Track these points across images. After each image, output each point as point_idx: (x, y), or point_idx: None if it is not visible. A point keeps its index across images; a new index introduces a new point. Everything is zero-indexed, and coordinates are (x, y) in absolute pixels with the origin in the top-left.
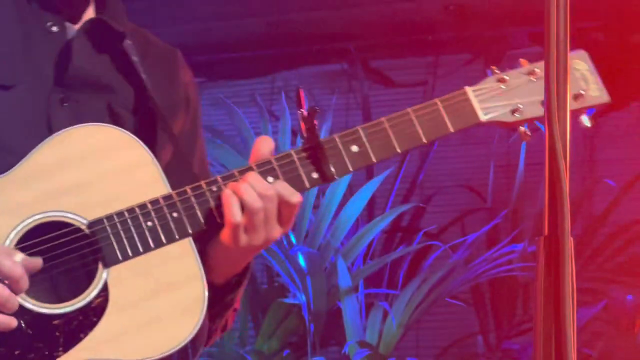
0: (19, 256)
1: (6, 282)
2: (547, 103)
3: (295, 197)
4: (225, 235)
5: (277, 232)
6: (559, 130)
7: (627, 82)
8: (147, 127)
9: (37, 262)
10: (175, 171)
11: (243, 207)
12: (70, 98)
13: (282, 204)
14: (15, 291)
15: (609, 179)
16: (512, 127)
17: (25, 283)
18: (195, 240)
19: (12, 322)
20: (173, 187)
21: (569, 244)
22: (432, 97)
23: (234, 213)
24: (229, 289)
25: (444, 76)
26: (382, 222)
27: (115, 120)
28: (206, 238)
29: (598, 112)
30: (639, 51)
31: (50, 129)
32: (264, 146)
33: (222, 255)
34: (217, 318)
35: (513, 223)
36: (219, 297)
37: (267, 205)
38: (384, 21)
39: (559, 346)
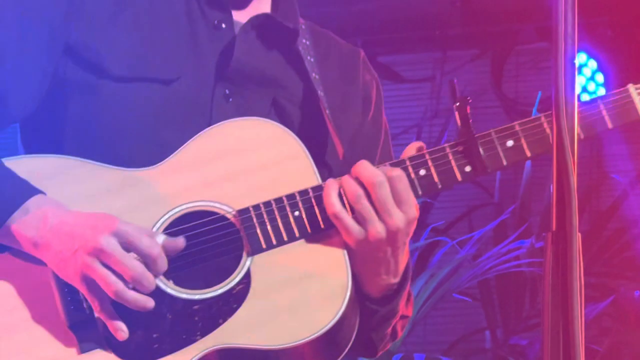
0: (161, 237)
1: (143, 260)
2: (554, 98)
3: (395, 171)
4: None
5: (398, 218)
6: (566, 126)
7: (634, 76)
8: (313, 123)
9: (179, 242)
10: (346, 169)
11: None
12: (235, 93)
13: (390, 184)
14: (152, 270)
15: (616, 174)
16: None
17: (162, 263)
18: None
19: (149, 302)
20: None
21: (577, 239)
22: (439, 93)
23: (331, 202)
24: (386, 300)
25: (451, 72)
26: None
27: (280, 114)
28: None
29: None
30: None
31: (210, 125)
32: (416, 145)
33: (360, 260)
34: (380, 327)
35: (520, 219)
36: (374, 309)
37: (376, 190)
38: (391, 17)
39: (566, 342)
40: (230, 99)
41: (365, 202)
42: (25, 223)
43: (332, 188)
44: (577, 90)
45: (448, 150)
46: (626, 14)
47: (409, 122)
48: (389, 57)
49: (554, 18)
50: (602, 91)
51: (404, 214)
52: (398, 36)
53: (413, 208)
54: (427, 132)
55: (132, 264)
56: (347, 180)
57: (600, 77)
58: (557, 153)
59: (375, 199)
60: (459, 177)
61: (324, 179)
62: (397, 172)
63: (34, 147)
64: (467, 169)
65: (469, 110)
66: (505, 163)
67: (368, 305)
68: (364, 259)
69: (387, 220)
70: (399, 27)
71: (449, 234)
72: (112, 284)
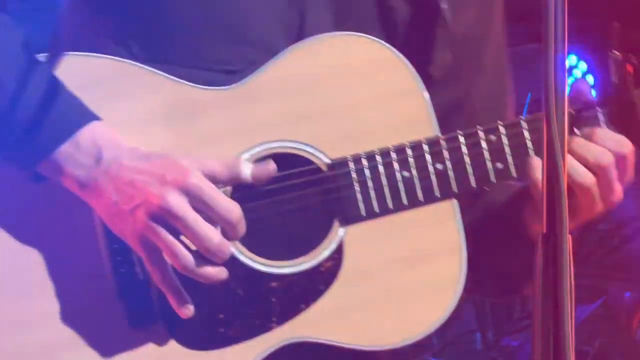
0: (248, 166)
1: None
2: (545, 101)
3: (624, 147)
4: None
5: (619, 192)
6: (557, 128)
7: None
8: (424, 25)
9: (269, 168)
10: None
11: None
12: None
13: (617, 161)
14: (229, 237)
15: None
16: None
17: (242, 229)
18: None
19: (221, 273)
20: (452, 120)
21: (568, 241)
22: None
23: (580, 173)
24: None
25: None
26: None
27: (386, 15)
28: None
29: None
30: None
31: (302, 24)
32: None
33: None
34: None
35: None
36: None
37: (605, 173)
38: None
39: (557, 343)
40: None
41: (595, 189)
42: (75, 160)
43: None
44: (568, 92)
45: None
46: (617, 15)
47: None
48: None
49: (544, 19)
50: (592, 93)
51: (622, 185)
52: None
53: (632, 175)
54: None
55: (207, 232)
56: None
57: (590, 79)
58: (548, 155)
59: (601, 181)
60: None
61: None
62: (626, 149)
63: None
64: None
65: (631, 70)
66: None
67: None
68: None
69: (609, 199)
70: None
71: None
72: (181, 258)
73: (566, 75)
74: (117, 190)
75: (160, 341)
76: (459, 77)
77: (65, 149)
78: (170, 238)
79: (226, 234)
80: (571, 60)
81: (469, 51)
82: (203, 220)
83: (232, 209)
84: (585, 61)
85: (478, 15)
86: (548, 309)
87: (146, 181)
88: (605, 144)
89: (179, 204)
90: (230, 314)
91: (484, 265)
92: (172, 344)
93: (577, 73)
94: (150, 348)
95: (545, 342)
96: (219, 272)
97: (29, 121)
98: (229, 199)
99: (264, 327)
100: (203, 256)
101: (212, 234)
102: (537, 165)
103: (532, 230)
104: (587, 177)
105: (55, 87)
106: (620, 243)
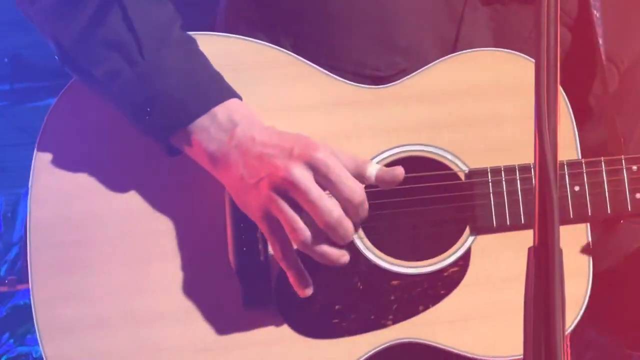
0: (374, 166)
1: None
2: (537, 112)
3: None
4: None
5: None
6: (549, 140)
7: None
8: (581, 48)
9: (397, 173)
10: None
11: None
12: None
13: None
14: (351, 217)
15: None
16: None
17: (364, 212)
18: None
19: (343, 256)
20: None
21: (559, 254)
22: None
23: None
24: None
25: None
26: None
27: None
28: None
29: None
30: None
31: (458, 39)
32: None
33: None
34: None
35: None
36: None
37: None
38: None
39: (548, 356)
40: (485, 5)
41: None
42: (208, 134)
43: None
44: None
45: None
46: None
47: None
48: None
49: (537, 32)
50: None
51: None
52: None
53: None
54: None
55: (328, 206)
56: None
57: None
58: (540, 168)
59: None
60: None
61: (585, 128)
62: None
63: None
64: None
65: None
66: None
67: None
68: None
69: None
70: None
71: None
72: (300, 232)
73: (559, 87)
74: (245, 164)
75: (273, 324)
76: (623, 109)
77: (200, 122)
78: (290, 211)
79: (348, 214)
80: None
81: (634, 84)
82: (325, 195)
83: (356, 189)
84: None
85: None
86: (539, 322)
87: (273, 154)
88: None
89: (302, 177)
90: (347, 306)
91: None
92: (285, 329)
93: None
94: (262, 330)
95: (537, 355)
96: (338, 254)
97: (168, 91)
98: (354, 179)
99: (379, 324)
100: (324, 236)
101: (333, 209)
102: None
103: None
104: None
105: (200, 61)
106: None
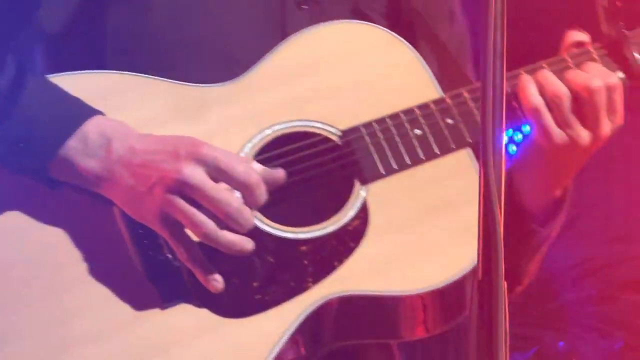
0: (256, 166)
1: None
2: (483, 146)
3: (613, 78)
4: (536, 132)
5: (606, 127)
6: (494, 174)
7: None
8: (403, 34)
9: (279, 174)
10: (446, 82)
11: (544, 95)
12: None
13: (607, 91)
14: (249, 203)
15: None
16: None
17: (262, 194)
18: None
19: (247, 244)
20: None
21: (503, 288)
22: None
23: (530, 94)
24: (547, 219)
25: None
26: None
27: None
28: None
29: None
30: None
31: (283, 36)
32: (573, 38)
33: (536, 167)
34: (532, 255)
35: None
36: (532, 230)
37: (592, 97)
38: None
39: None
40: (304, 6)
41: (570, 105)
42: (85, 153)
43: (528, 81)
44: (504, 140)
45: (594, 53)
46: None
47: None
48: None
49: (483, 65)
50: None
51: (611, 123)
52: None
53: (621, 116)
54: None
55: (226, 197)
56: (550, 78)
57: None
58: (484, 202)
59: (589, 104)
60: None
61: None
62: (615, 80)
63: (65, 68)
64: (620, 75)
65: (619, 4)
66: None
67: (527, 224)
68: (544, 166)
69: (595, 129)
70: None
71: None
72: (201, 225)
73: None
74: (133, 174)
75: (199, 316)
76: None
77: (73, 144)
78: (189, 207)
79: (247, 200)
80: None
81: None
82: (220, 187)
83: (250, 173)
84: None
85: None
86: (483, 356)
87: (160, 159)
88: (596, 73)
89: (195, 174)
90: (264, 281)
91: None
92: (212, 317)
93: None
94: (191, 325)
95: None
96: (242, 241)
97: (33, 124)
98: (245, 164)
99: (300, 288)
100: (225, 227)
101: (231, 199)
102: (526, 83)
103: (523, 195)
104: (560, 88)
105: (54, 90)
106: (555, 292)
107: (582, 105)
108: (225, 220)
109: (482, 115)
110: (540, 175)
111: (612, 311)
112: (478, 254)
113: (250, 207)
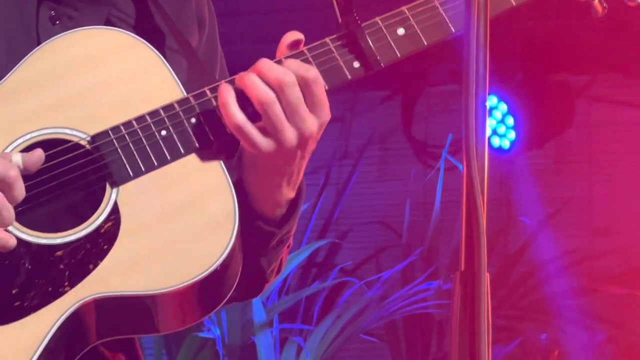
0: (17, 155)
1: None
2: (465, 139)
3: (311, 71)
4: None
5: (311, 123)
6: (477, 166)
7: (543, 122)
8: (152, 42)
9: (36, 154)
10: (196, 85)
11: (253, 102)
12: (62, 15)
13: (303, 85)
14: (9, 199)
15: (524, 217)
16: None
17: (20, 190)
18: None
19: (10, 240)
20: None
21: (486, 280)
22: (349, 133)
23: (232, 112)
24: (282, 221)
25: (361, 112)
26: (298, 258)
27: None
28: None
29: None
30: (556, 90)
31: None
32: (290, 38)
33: (259, 173)
34: (274, 254)
35: (428, 260)
36: (269, 232)
37: (286, 92)
38: None
39: None
40: (57, 22)
41: (277, 109)
42: None
43: (228, 93)
44: (488, 132)
45: (330, 44)
46: (536, 59)
47: (318, 162)
48: None
49: (465, 60)
50: (512, 134)
51: (317, 118)
52: None
53: (326, 110)
54: (336, 172)
55: None
56: (253, 81)
57: (510, 120)
58: (467, 193)
59: (285, 102)
60: (348, 75)
61: None
62: (313, 73)
63: None
64: (356, 64)
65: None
66: (399, 55)
67: (262, 227)
68: (265, 171)
69: (300, 126)
70: None
71: (356, 274)
72: None
73: (486, 116)
74: None
75: None
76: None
77: None
78: None
79: (7, 195)
80: (491, 101)
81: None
82: None
83: (8, 168)
84: (506, 102)
85: None
86: (465, 349)
87: None
88: (290, 67)
89: None
90: (22, 288)
91: None
92: None
93: (498, 114)
94: None
95: None
96: (5, 237)
97: None
98: (3, 159)
99: (57, 293)
100: None
101: None
102: (227, 97)
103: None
104: (266, 93)
105: None
106: (537, 285)
107: (284, 104)
108: None
109: (465, 108)
110: (261, 181)
111: (594, 304)
112: (460, 245)
113: (11, 203)
